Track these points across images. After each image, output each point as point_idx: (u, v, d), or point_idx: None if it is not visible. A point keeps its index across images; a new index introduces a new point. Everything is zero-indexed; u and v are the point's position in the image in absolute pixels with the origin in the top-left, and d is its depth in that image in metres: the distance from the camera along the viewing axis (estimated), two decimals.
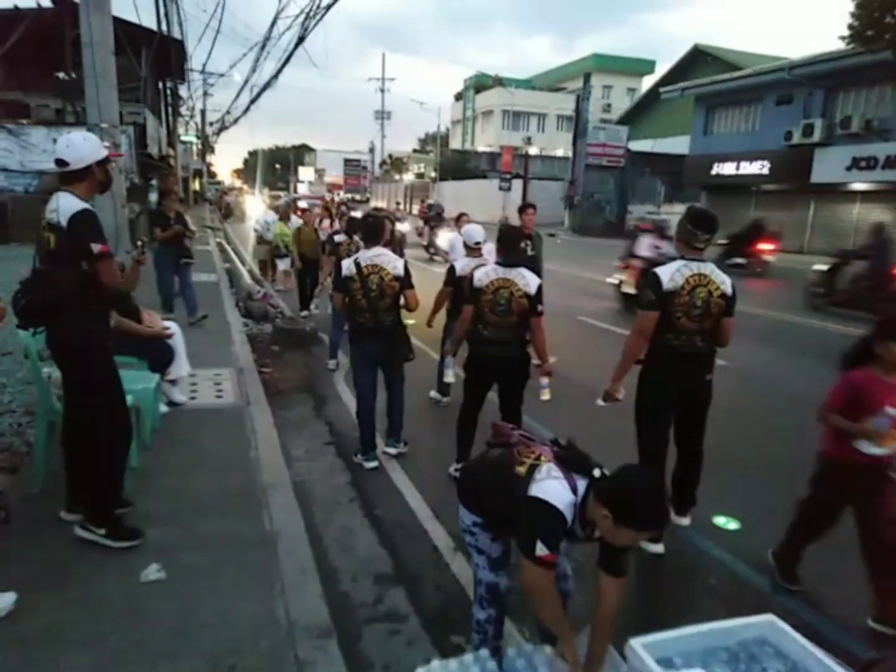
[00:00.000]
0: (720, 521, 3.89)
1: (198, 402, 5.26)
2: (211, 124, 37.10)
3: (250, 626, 2.56)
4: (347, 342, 4.69)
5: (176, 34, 18.52)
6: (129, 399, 3.67)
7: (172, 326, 4.90)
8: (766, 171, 24.72)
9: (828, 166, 22.20)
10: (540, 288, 4.05)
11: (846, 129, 21.65)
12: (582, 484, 2.06)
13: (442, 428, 5.33)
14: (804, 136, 22.79)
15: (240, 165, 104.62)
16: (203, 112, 37.05)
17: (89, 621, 2.53)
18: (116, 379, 3.06)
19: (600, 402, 3.66)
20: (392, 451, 4.76)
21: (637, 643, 2.09)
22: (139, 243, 3.47)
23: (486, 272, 4.08)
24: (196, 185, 40.15)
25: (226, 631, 2.52)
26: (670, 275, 3.34)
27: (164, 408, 4.83)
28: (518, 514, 2.07)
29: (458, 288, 4.93)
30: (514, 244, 4.14)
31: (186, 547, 3.08)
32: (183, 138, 31.06)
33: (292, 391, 6.24)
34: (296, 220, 11.22)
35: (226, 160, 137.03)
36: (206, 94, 33.26)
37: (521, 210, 6.91)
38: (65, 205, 2.74)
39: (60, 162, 2.78)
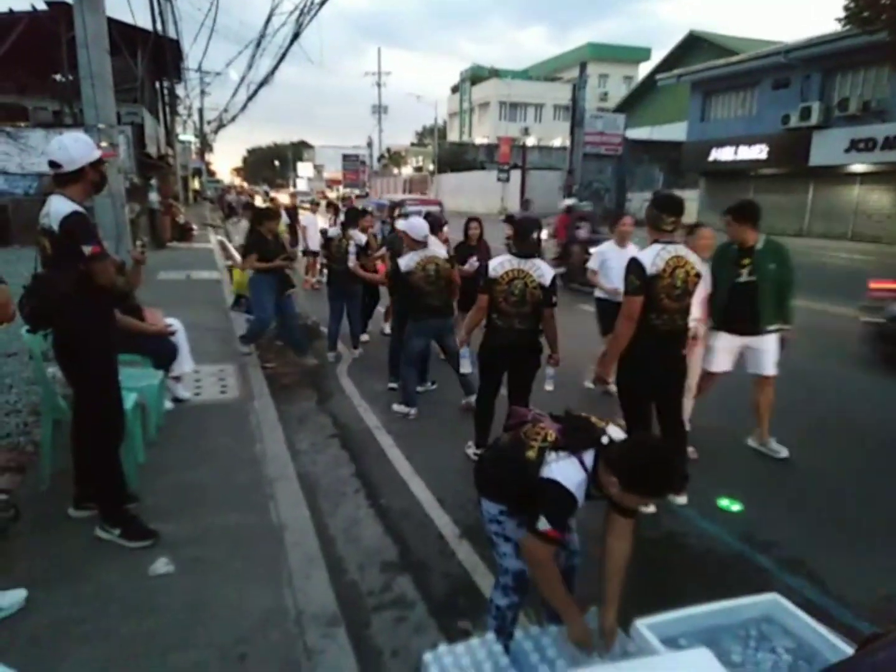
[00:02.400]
0: (724, 503, 3.91)
1: (202, 397, 5.29)
2: (209, 123, 37.06)
3: (259, 617, 2.59)
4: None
5: (171, 33, 18.45)
6: (135, 396, 3.72)
7: (175, 323, 4.92)
8: (764, 155, 24.61)
9: (826, 149, 22.09)
10: (554, 279, 4.11)
11: (844, 112, 21.54)
12: (590, 456, 2.09)
13: (445, 419, 5.37)
14: (802, 119, 22.67)
15: (239, 164, 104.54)
16: (201, 111, 37.02)
17: (99, 615, 2.56)
18: (115, 378, 3.09)
19: (589, 385, 3.75)
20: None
21: (642, 624, 2.11)
22: (139, 243, 3.49)
23: (501, 262, 4.11)
24: (196, 184, 40.15)
25: (235, 622, 2.56)
26: (651, 259, 3.47)
27: (168, 404, 4.87)
28: (535, 493, 2.10)
29: (401, 282, 5.36)
30: (528, 235, 4.15)
31: (194, 540, 3.12)
32: (181, 137, 31.07)
33: (295, 385, 6.26)
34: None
35: (225, 159, 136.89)
36: (203, 92, 33.19)
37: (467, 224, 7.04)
38: (56, 208, 2.74)
39: (53, 164, 2.79)
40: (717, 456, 4.53)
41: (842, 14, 16.36)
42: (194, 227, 19.76)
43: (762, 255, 4.35)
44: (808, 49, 22.44)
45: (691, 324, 3.92)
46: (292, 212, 13.35)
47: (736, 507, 3.88)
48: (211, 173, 55.19)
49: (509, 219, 9.56)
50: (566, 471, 2.07)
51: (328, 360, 7.07)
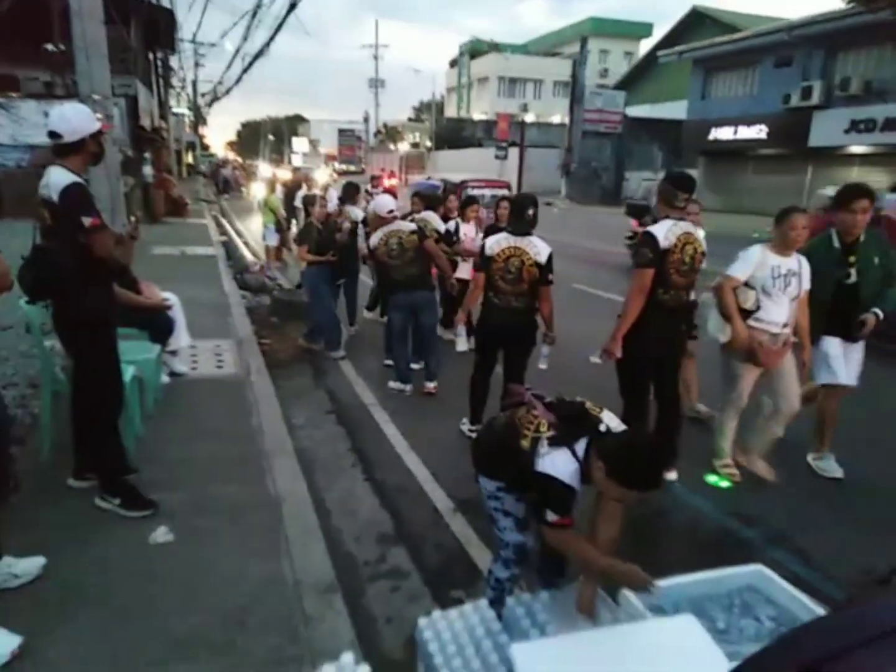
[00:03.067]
0: (711, 478, 3.99)
1: (199, 372, 5.32)
2: (203, 95, 36.54)
3: (258, 584, 2.66)
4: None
5: (165, 2, 18.16)
6: (132, 369, 3.75)
7: (171, 297, 4.93)
8: (763, 135, 24.46)
9: (826, 129, 21.97)
10: (550, 257, 4.12)
11: (845, 91, 21.38)
12: (581, 445, 2.12)
13: (440, 395, 5.41)
14: (803, 98, 22.50)
15: (233, 138, 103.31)
16: (194, 83, 36.48)
17: (101, 581, 2.63)
18: (115, 350, 3.12)
19: (595, 360, 3.78)
20: None
21: (630, 592, 2.19)
22: (132, 219, 3.50)
23: (498, 240, 4.13)
24: (189, 158, 39.72)
25: (234, 588, 2.62)
26: (664, 234, 3.51)
27: (165, 378, 4.90)
28: (531, 480, 2.15)
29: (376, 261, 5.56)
30: (524, 212, 4.15)
31: (193, 511, 3.18)
32: (175, 110, 30.67)
33: (292, 362, 6.30)
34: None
35: (219, 133, 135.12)
36: (197, 64, 32.69)
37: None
38: (55, 179, 2.75)
39: (53, 134, 2.78)
40: (706, 435, 4.60)
41: None
42: (188, 201, 19.60)
43: (866, 248, 3.86)
44: (811, 26, 22.17)
45: (780, 329, 3.70)
46: (293, 191, 12.13)
47: (724, 483, 3.96)
48: (205, 147, 54.61)
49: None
50: (559, 463, 2.09)
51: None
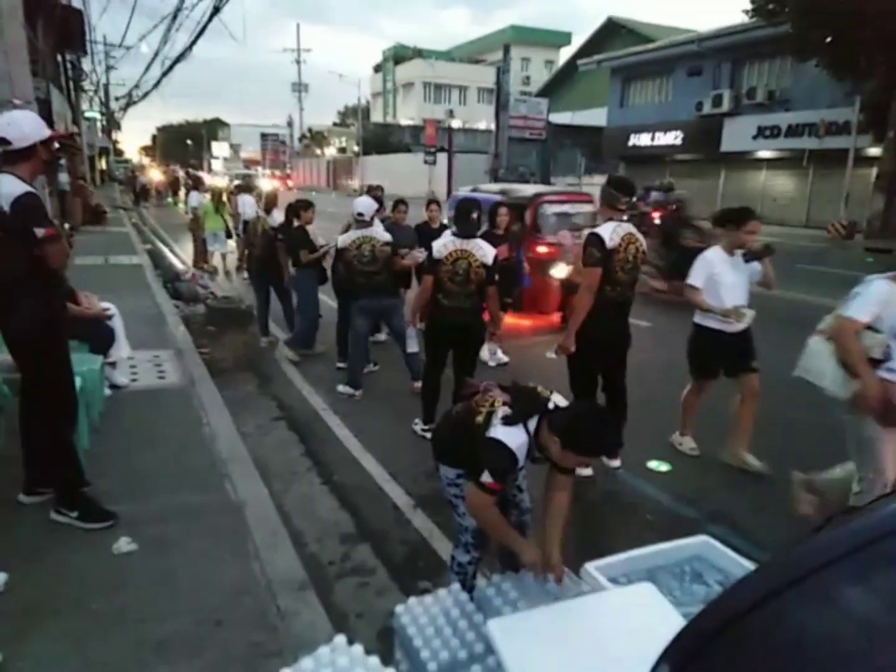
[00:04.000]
0: (653, 464, 4.25)
1: (140, 383, 5.19)
2: (117, 99, 35.06)
3: (230, 587, 2.67)
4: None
5: (76, 3, 17.39)
6: (77, 381, 3.64)
7: (112, 307, 4.81)
8: (679, 141, 25.78)
9: (736, 135, 23.40)
10: (496, 258, 4.30)
11: (752, 100, 22.84)
12: (533, 421, 2.29)
13: (389, 398, 5.50)
14: (714, 106, 23.87)
15: (148, 142, 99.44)
16: (106, 87, 34.94)
17: (68, 592, 2.58)
18: (68, 361, 3.06)
19: (551, 355, 3.99)
20: None
21: (591, 566, 2.36)
22: (66, 227, 3.42)
23: (445, 243, 4.27)
24: (103, 164, 38.00)
25: (206, 592, 2.63)
26: (609, 234, 3.76)
27: (106, 391, 4.76)
28: (482, 451, 2.29)
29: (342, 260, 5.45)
30: (468, 216, 4.31)
31: (153, 520, 3.14)
32: (87, 115, 29.29)
33: (234, 370, 6.22)
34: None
35: (133, 137, 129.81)
36: (109, 67, 31.34)
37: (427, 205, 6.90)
38: (6, 188, 2.66)
39: (2, 141, 2.70)
40: (645, 423, 4.88)
41: (749, 6, 17.32)
42: (107, 209, 18.81)
43: None
44: (718, 39, 23.57)
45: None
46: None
47: (664, 467, 4.23)
48: (118, 153, 52.31)
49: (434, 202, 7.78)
50: (510, 432, 2.26)
51: (261, 344, 6.87)
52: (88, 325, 4.46)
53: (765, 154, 23.22)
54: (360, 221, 5.37)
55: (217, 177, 25.77)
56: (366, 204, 5.42)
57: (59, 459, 3.01)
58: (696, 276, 4.06)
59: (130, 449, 3.96)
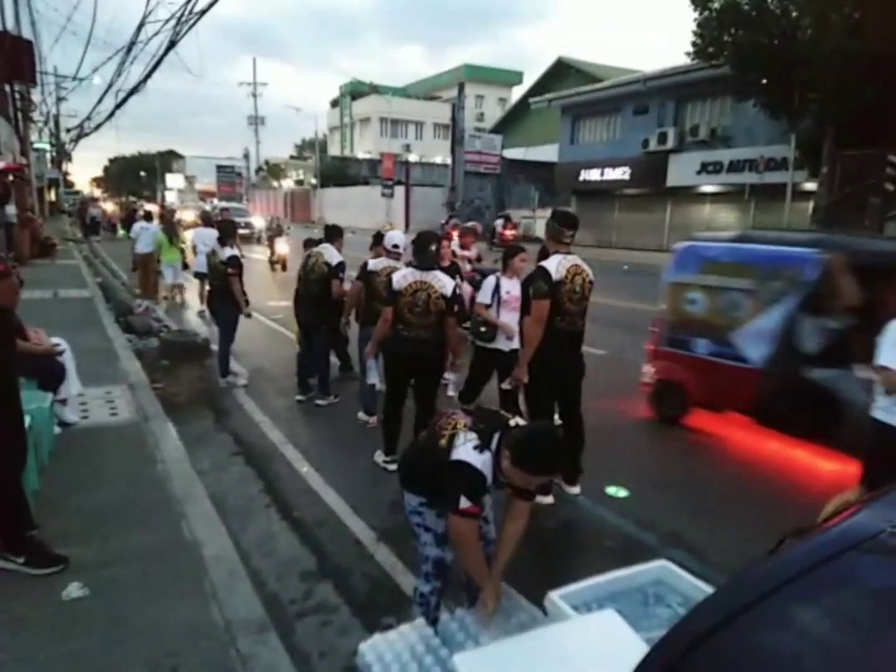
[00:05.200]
0: (611, 490, 4.32)
1: (91, 420, 5.03)
2: (68, 131, 34.43)
3: (187, 630, 2.59)
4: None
5: (26, 33, 17.14)
6: (26, 420, 3.52)
7: (62, 343, 4.68)
8: (627, 176, 26.70)
9: (681, 171, 24.37)
10: (455, 289, 4.37)
11: (695, 137, 23.88)
12: (495, 440, 2.34)
13: (350, 430, 5.45)
14: (659, 143, 24.87)
15: (100, 173, 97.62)
16: (57, 118, 34.32)
17: (14, 643, 2.46)
18: (18, 400, 2.96)
19: (506, 387, 4.05)
20: None
21: (554, 594, 2.39)
22: (12, 259, 3.34)
23: (404, 275, 4.31)
24: (52, 196, 37.10)
25: (162, 636, 2.54)
26: (555, 267, 3.89)
27: (56, 429, 4.60)
28: (447, 474, 2.32)
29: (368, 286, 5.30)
30: (427, 248, 4.38)
31: (106, 562, 3.03)
32: (36, 146, 28.66)
33: (190, 405, 6.09)
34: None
35: (84, 169, 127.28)
36: (60, 98, 30.84)
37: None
38: None
39: None
40: (602, 451, 4.96)
41: (690, 48, 18.21)
42: (56, 242, 18.33)
43: None
44: (662, 79, 24.68)
45: None
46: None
47: (622, 493, 4.31)
48: (69, 184, 51.20)
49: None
50: (472, 452, 2.30)
51: (220, 385, 6.64)
52: (37, 361, 4.32)
53: (708, 188, 24.23)
54: (394, 253, 5.36)
55: (187, 210, 25.47)
56: (399, 237, 5.47)
57: (4, 503, 2.89)
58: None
59: (81, 489, 3.82)
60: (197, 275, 11.07)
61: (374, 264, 5.32)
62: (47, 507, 3.44)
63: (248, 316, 6.86)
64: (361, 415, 5.55)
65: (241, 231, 12.46)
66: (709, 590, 2.42)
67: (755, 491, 4.37)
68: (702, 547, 3.64)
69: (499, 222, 25.71)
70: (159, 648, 2.47)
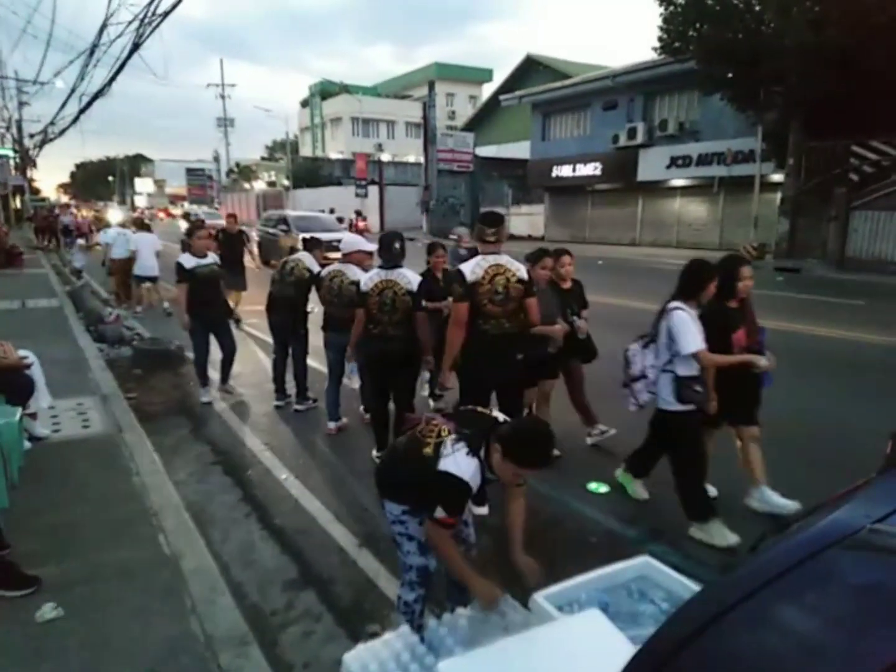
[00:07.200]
0: (592, 486, 4.34)
1: (63, 434, 4.92)
2: (32, 136, 33.68)
3: (167, 646, 2.54)
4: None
5: None
6: None
7: (30, 355, 4.56)
8: (598, 171, 26.90)
9: (651, 165, 24.61)
10: (421, 285, 4.36)
11: (664, 132, 24.12)
12: (482, 441, 2.32)
13: (331, 435, 5.40)
14: (629, 138, 25.07)
15: (66, 179, 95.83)
16: (19, 123, 33.54)
17: None
18: None
19: (439, 392, 4.03)
20: None
21: (539, 595, 2.37)
22: None
23: (371, 276, 4.34)
24: (17, 203, 36.25)
25: (141, 654, 2.49)
26: (471, 269, 3.87)
27: (26, 444, 4.48)
28: (432, 485, 2.29)
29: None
30: (391, 247, 4.39)
31: (82, 580, 2.96)
32: None
33: (165, 415, 5.98)
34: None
35: (50, 175, 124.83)
36: (22, 103, 30.15)
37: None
38: None
39: None
40: (584, 448, 4.99)
41: (657, 43, 18.40)
42: (22, 250, 17.91)
43: None
44: (631, 74, 24.87)
45: None
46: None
47: (603, 489, 4.32)
48: (35, 191, 50.06)
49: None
50: (461, 461, 2.27)
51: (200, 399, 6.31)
52: (5, 375, 4.21)
53: (678, 182, 24.50)
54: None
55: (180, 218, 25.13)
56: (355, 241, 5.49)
57: None
58: None
59: (55, 505, 3.73)
60: (138, 279, 11.10)
61: (325, 271, 5.42)
62: (18, 526, 3.34)
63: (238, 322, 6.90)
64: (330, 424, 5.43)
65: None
66: (690, 584, 2.44)
67: (732, 487, 4.41)
68: (684, 540, 3.67)
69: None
70: (139, 666, 2.42)
